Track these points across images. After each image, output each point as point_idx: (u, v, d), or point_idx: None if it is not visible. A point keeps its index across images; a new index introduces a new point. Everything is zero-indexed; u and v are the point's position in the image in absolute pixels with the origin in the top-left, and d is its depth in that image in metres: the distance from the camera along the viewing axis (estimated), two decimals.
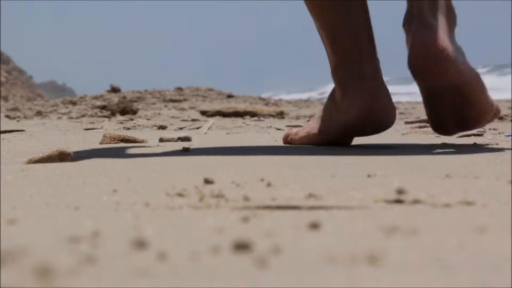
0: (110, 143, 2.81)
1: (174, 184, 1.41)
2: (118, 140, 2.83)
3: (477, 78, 2.06)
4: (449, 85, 2.01)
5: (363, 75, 2.06)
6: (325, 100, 2.43)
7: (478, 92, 2.07)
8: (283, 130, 3.97)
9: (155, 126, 4.27)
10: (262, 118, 5.72)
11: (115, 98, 9.28)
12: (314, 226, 0.96)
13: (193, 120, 5.37)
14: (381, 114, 2.11)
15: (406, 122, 4.59)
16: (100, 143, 2.83)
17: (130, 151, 2.42)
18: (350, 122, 2.12)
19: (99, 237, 0.90)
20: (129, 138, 2.85)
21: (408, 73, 2.08)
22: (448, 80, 1.98)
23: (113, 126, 4.36)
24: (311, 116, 5.77)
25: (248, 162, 1.87)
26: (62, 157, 1.96)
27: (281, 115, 6.05)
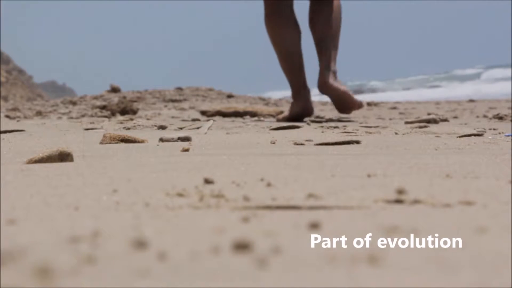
0: (110, 143, 2.82)
1: (174, 184, 1.41)
2: (118, 140, 2.83)
3: (346, 91, 5.17)
4: (333, 94, 5.17)
5: (300, 95, 5.24)
6: (323, 100, 6.11)
7: (346, 96, 5.16)
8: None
9: (155, 126, 4.27)
10: (262, 118, 5.71)
11: (115, 98, 9.26)
12: (314, 226, 0.96)
13: (193, 120, 5.36)
14: (306, 111, 5.20)
15: (406, 122, 4.59)
16: (100, 143, 2.84)
17: (130, 151, 2.42)
18: (297, 112, 5.16)
19: (99, 237, 0.91)
20: (129, 138, 2.85)
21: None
22: (332, 93, 5.17)
23: (113, 126, 4.36)
24: (311, 116, 5.78)
25: (248, 162, 1.87)
26: (62, 157, 1.96)
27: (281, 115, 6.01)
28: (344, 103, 5.20)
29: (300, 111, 5.18)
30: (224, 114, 6.12)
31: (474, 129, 3.72)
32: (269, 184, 1.39)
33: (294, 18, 5.32)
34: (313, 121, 5.01)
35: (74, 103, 9.15)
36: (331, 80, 5.14)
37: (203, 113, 6.20)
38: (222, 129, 4.14)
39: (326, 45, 5.22)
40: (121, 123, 4.87)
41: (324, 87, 5.17)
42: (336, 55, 5.27)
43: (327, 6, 5.28)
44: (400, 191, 1.25)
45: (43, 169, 1.73)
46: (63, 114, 7.05)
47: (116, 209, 1.15)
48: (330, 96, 5.24)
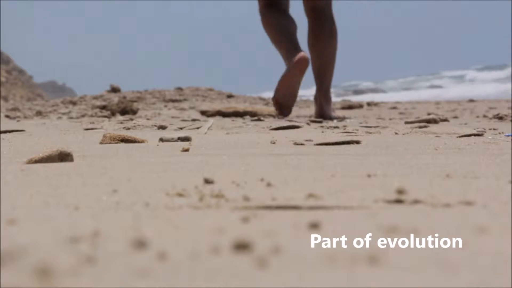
0: (110, 143, 2.82)
1: (174, 184, 1.41)
2: (118, 140, 2.83)
3: (335, 117, 5.70)
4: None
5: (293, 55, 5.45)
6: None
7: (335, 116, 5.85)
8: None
9: (155, 126, 4.27)
10: (262, 118, 5.71)
11: (115, 98, 9.26)
12: (314, 226, 0.96)
13: (193, 120, 5.36)
14: (300, 63, 5.45)
15: (406, 122, 4.59)
16: (100, 143, 2.84)
17: (130, 151, 2.42)
18: (292, 66, 5.45)
19: (99, 237, 0.91)
20: (129, 138, 2.85)
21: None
22: (325, 117, 5.65)
23: (113, 126, 4.36)
24: (310, 116, 5.79)
25: (248, 162, 1.87)
26: (62, 157, 1.96)
27: None
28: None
29: (294, 64, 5.41)
30: (224, 114, 6.11)
31: (474, 129, 3.72)
32: (269, 184, 1.39)
33: (288, 13, 5.76)
34: (313, 121, 5.01)
35: (74, 103, 9.14)
36: (327, 113, 5.70)
37: (203, 113, 6.20)
38: (222, 129, 4.14)
39: (325, 75, 5.78)
40: (121, 123, 4.87)
41: (322, 113, 5.78)
42: (332, 78, 5.85)
43: (326, 35, 5.72)
44: (400, 191, 1.25)
45: (43, 169, 1.73)
46: (63, 114, 7.05)
47: (116, 209, 1.15)
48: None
